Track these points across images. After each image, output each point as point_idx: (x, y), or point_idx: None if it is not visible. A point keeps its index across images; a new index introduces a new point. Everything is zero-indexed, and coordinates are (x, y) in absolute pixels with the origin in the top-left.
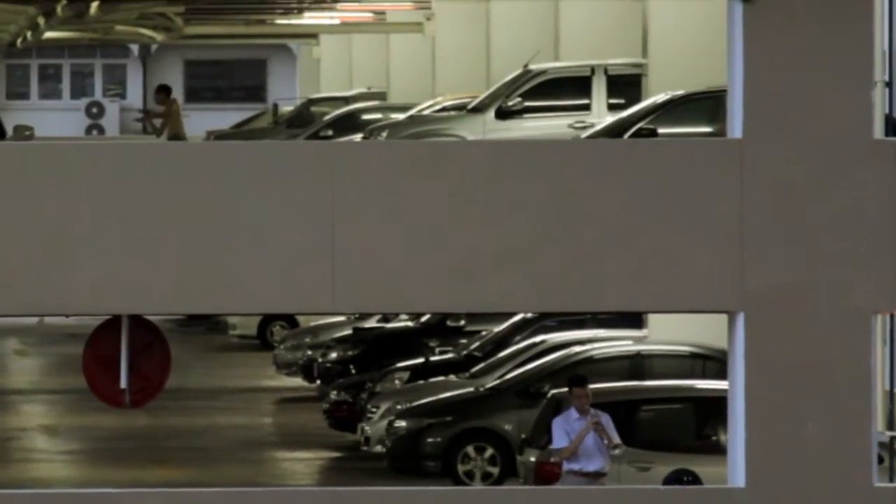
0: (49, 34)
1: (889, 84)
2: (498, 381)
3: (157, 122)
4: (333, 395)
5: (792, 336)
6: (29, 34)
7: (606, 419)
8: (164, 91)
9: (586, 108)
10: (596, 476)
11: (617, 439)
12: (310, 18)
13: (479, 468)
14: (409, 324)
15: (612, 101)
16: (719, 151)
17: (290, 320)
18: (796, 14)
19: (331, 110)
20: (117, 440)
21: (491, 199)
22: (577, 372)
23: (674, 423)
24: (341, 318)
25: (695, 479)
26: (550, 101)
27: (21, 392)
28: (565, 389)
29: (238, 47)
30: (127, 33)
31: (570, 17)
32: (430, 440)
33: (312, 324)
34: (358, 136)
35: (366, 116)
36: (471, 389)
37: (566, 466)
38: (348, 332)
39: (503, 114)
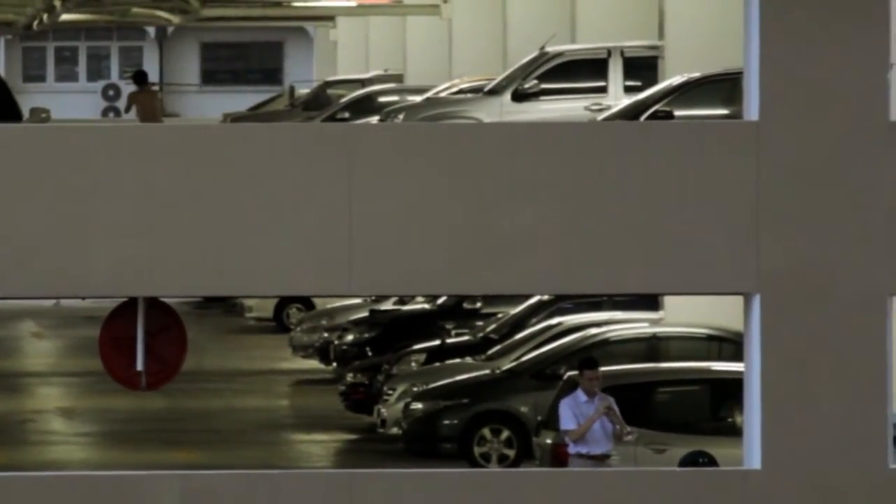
0: (65, 16)
1: None
2: (514, 364)
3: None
4: (350, 377)
5: (807, 318)
6: (45, 16)
7: (612, 403)
8: (136, 79)
9: (603, 90)
10: (602, 458)
11: (624, 425)
12: (326, 1)
13: (495, 450)
14: (426, 306)
15: (629, 83)
16: (736, 134)
17: (306, 303)
18: None
19: (347, 93)
20: (133, 423)
21: (507, 182)
22: (590, 354)
23: (690, 406)
24: (357, 301)
25: (711, 461)
26: (567, 84)
27: (38, 374)
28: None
29: (255, 30)
30: (143, 15)
31: None
32: (446, 422)
33: (329, 306)
34: (374, 119)
35: (382, 99)
36: (487, 372)
37: (573, 449)
38: (364, 314)
39: (519, 96)
